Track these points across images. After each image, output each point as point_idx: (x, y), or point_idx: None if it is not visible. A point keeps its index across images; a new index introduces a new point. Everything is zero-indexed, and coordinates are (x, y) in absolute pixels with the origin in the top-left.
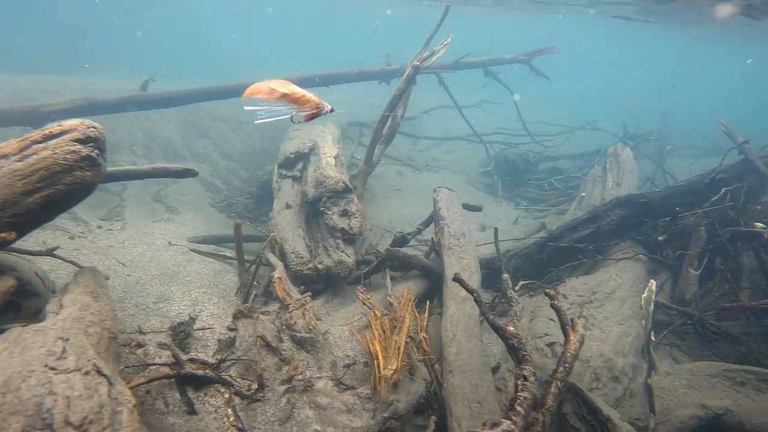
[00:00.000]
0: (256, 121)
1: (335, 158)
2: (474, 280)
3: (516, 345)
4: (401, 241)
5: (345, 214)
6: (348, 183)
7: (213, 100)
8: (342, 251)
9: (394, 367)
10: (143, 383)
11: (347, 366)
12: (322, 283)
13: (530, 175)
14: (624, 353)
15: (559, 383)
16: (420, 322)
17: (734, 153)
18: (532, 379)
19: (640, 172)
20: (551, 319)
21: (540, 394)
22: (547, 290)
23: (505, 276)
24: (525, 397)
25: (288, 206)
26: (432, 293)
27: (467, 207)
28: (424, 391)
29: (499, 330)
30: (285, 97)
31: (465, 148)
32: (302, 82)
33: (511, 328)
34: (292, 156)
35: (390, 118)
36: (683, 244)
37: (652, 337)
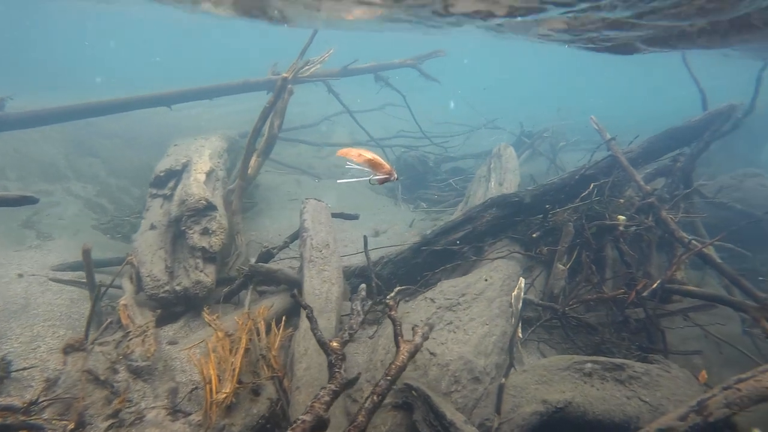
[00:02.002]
0: (338, 181)
1: (208, 174)
2: (334, 291)
3: (332, 361)
4: (266, 255)
5: (206, 232)
6: (210, 200)
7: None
8: (201, 271)
9: (228, 390)
10: None
11: (192, 391)
12: (183, 305)
13: (431, 176)
14: (487, 353)
15: (375, 398)
16: (273, 339)
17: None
18: (325, 399)
19: (537, 169)
20: (415, 325)
21: (356, 410)
22: (386, 300)
23: (362, 286)
24: (303, 420)
25: (153, 227)
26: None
27: (342, 216)
28: (267, 410)
29: (323, 345)
30: (368, 162)
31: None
32: (183, 96)
33: (335, 344)
34: (162, 174)
35: (267, 130)
36: (556, 240)
37: (519, 334)
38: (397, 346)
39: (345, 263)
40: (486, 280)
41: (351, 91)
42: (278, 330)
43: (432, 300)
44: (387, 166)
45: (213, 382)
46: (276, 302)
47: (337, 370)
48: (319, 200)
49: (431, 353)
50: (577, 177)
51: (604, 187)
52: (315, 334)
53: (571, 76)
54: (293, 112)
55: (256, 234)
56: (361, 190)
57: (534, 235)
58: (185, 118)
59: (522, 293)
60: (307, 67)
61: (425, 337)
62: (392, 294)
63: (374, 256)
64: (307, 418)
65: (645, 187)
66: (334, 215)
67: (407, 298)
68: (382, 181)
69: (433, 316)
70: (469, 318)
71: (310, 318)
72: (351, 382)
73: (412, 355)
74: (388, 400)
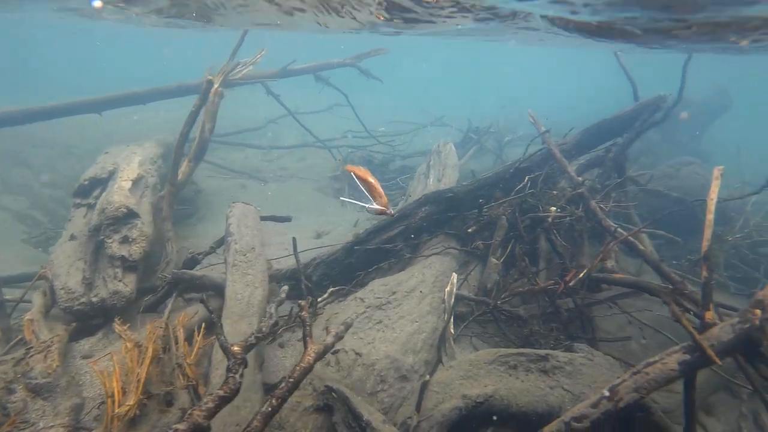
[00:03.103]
0: (341, 198)
1: (135, 181)
2: (257, 295)
3: (229, 366)
4: (192, 262)
5: (126, 240)
6: (132, 207)
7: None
8: (120, 280)
9: (131, 403)
10: None
11: (99, 405)
12: (101, 317)
13: (379, 175)
14: (416, 351)
15: (274, 401)
16: (196, 346)
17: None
18: (207, 406)
19: (485, 165)
20: (327, 327)
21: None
22: (300, 302)
23: (283, 288)
24: (176, 429)
25: (73, 237)
26: None
27: (274, 219)
28: (179, 421)
29: (225, 350)
30: (369, 185)
31: (319, 155)
32: (115, 101)
33: (236, 348)
34: (86, 183)
35: (199, 133)
36: (492, 235)
37: (452, 330)
38: (305, 347)
39: (281, 266)
40: (417, 276)
41: (300, 93)
42: (199, 337)
43: (362, 299)
44: (385, 198)
45: (116, 394)
46: (201, 309)
47: (231, 375)
48: (247, 204)
49: (357, 353)
50: (511, 171)
51: (538, 180)
52: (218, 339)
53: (531, 74)
54: (244, 116)
55: (196, 241)
56: (308, 192)
57: (469, 230)
58: (134, 124)
59: (454, 289)
60: (238, 69)
61: (338, 338)
62: (325, 295)
63: (307, 257)
64: (182, 427)
65: (576, 178)
66: (264, 218)
67: (341, 299)
68: (378, 213)
69: (361, 315)
70: (399, 316)
71: (216, 322)
72: (273, 387)
73: (319, 356)
74: (309, 402)
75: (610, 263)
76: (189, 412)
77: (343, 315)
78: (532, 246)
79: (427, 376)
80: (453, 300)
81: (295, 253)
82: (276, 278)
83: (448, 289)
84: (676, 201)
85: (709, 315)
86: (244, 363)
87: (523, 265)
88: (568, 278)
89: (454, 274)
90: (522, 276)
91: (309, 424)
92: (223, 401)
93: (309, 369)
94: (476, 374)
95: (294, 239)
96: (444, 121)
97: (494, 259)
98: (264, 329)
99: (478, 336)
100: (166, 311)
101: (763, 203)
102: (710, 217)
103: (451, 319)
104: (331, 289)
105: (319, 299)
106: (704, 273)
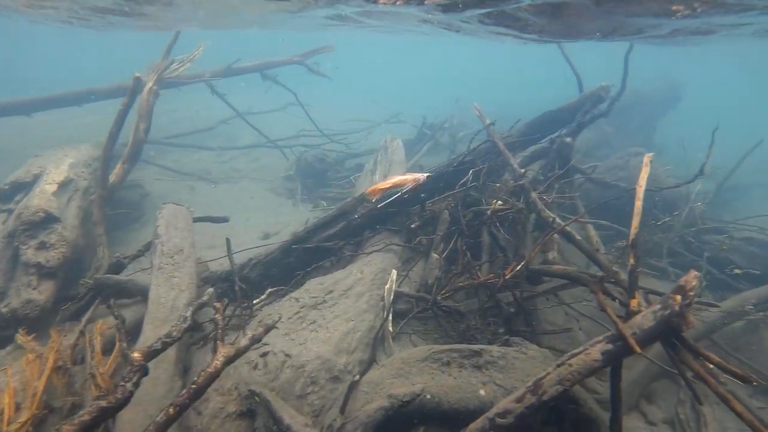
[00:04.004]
0: (379, 205)
1: (63, 184)
2: (182, 299)
3: (124, 375)
4: (117, 266)
5: (43, 246)
6: (51, 211)
7: None
8: (34, 288)
9: (24, 418)
10: None
11: None
12: (13, 328)
13: (333, 174)
14: (350, 350)
15: (171, 410)
16: (113, 355)
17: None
18: (83, 419)
19: (440, 161)
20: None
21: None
22: (216, 304)
23: (209, 290)
24: None
25: None
26: None
27: (210, 219)
28: None
29: (125, 357)
30: (394, 186)
31: (273, 155)
32: (49, 102)
33: (136, 355)
34: (6, 187)
35: (133, 134)
36: (435, 230)
37: (390, 328)
38: (215, 351)
39: (217, 268)
40: (356, 274)
41: (257, 92)
42: (118, 345)
43: (296, 299)
44: (409, 178)
45: (6, 411)
46: (126, 315)
47: (122, 384)
48: (178, 205)
49: (287, 355)
50: (455, 164)
51: (481, 173)
52: (121, 346)
53: (489, 67)
54: (205, 116)
55: (138, 246)
56: (259, 192)
57: (412, 226)
58: (79, 127)
59: (394, 285)
60: (174, 67)
61: (254, 341)
62: (263, 296)
63: (245, 257)
64: None
65: (518, 170)
66: (199, 219)
67: (279, 300)
68: (413, 191)
69: (294, 315)
70: (334, 315)
71: (120, 329)
72: None
73: (229, 360)
74: (233, 408)
75: (552, 254)
76: (58, 427)
77: (277, 316)
78: (475, 240)
79: (357, 376)
80: (392, 297)
81: (229, 254)
82: (211, 280)
83: (387, 286)
84: (624, 192)
85: (634, 303)
86: (143, 371)
87: (465, 259)
88: (508, 271)
89: (393, 270)
90: (465, 271)
91: (232, 431)
92: (105, 413)
93: (215, 375)
94: (408, 372)
95: (228, 240)
96: (400, 118)
97: (435, 255)
98: (175, 334)
99: (418, 333)
100: (84, 319)
101: (707, 192)
102: (638, 204)
103: (390, 317)
104: (270, 289)
105: (256, 300)
106: (631, 261)
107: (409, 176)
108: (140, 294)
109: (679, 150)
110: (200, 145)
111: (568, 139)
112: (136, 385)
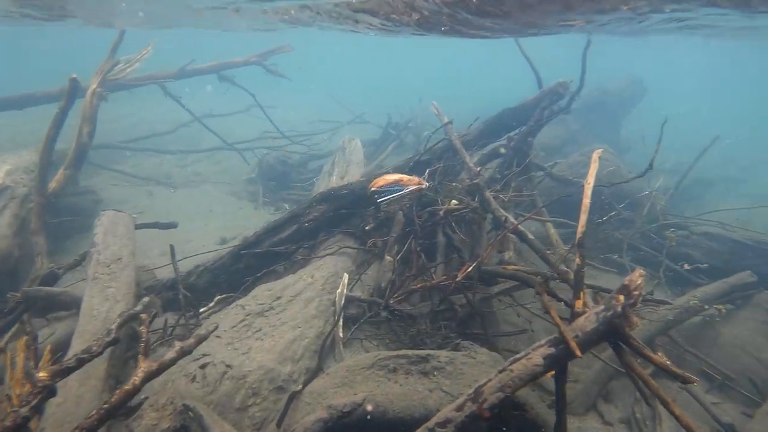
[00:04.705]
0: (379, 200)
1: None
2: (117, 310)
3: (23, 397)
4: (51, 277)
5: None
6: None
7: None
8: None
9: None
10: None
11: None
12: None
13: (296, 176)
14: (295, 359)
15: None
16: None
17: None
18: None
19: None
20: (218, 337)
21: None
22: (142, 315)
23: (144, 299)
24: None
25: None
26: None
27: (156, 226)
28: None
29: (29, 377)
30: (398, 181)
31: (236, 158)
32: None
33: (42, 374)
34: None
35: (76, 138)
36: (391, 231)
37: (341, 334)
38: (137, 367)
39: (162, 277)
40: (306, 279)
41: (217, 94)
42: (41, 363)
43: (242, 307)
44: (414, 179)
45: None
46: (59, 329)
47: (15, 410)
48: (119, 211)
49: (228, 366)
50: (411, 164)
51: (436, 172)
52: (26, 365)
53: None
54: (171, 119)
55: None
56: (220, 196)
57: (367, 228)
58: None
59: (345, 290)
60: (120, 68)
61: (184, 353)
62: (211, 304)
63: (191, 264)
64: None
65: (473, 168)
66: (144, 226)
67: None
68: (416, 191)
69: (239, 324)
70: (281, 322)
71: (29, 345)
72: (132, 410)
73: (150, 376)
74: (166, 424)
75: (508, 254)
76: None
77: (220, 325)
78: (431, 241)
79: (300, 386)
80: (343, 302)
81: (173, 261)
82: (156, 289)
83: (339, 290)
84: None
85: (579, 304)
86: (47, 392)
87: (419, 261)
88: (461, 272)
89: (345, 274)
90: (420, 273)
91: None
92: None
93: (133, 392)
94: (353, 381)
95: (172, 246)
96: (364, 118)
97: (389, 257)
98: (95, 349)
99: (370, 338)
100: (8, 335)
101: (667, 188)
102: (586, 201)
103: (341, 322)
104: (218, 297)
105: (203, 309)
106: (577, 260)
107: (415, 178)
108: (75, 306)
109: (643, 146)
110: (159, 148)
111: (529, 138)
112: (37, 409)
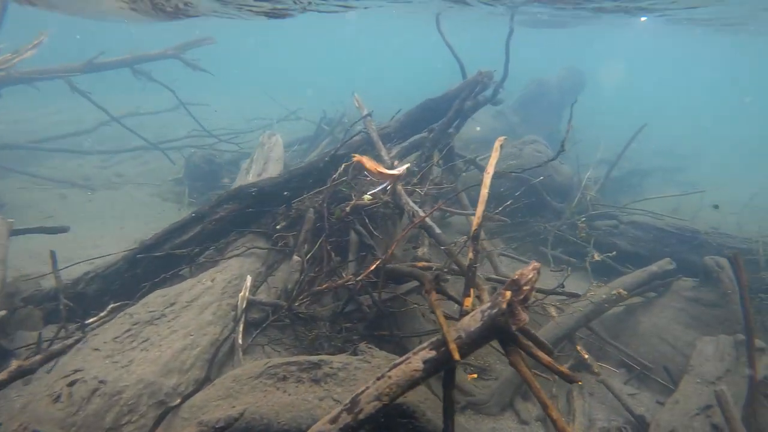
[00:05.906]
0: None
1: None
2: None
3: None
4: None
5: None
6: None
7: None
8: None
9: None
10: None
11: None
12: None
13: (226, 175)
14: (183, 369)
15: None
16: None
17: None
18: None
19: None
20: (96, 349)
21: None
22: None
23: (2, 313)
24: None
25: None
26: None
27: (43, 230)
28: None
29: None
30: (379, 173)
31: (164, 158)
32: None
33: None
34: None
35: None
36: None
37: (240, 340)
38: None
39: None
40: (205, 283)
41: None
42: None
43: (130, 315)
44: (389, 173)
45: None
46: None
47: None
48: (5, 219)
49: (101, 381)
50: (326, 159)
51: (350, 167)
52: None
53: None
54: (95, 118)
55: None
56: (142, 198)
57: (278, 227)
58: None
59: (248, 293)
60: (6, 57)
61: (20, 373)
62: (103, 314)
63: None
64: None
65: (387, 161)
66: (28, 231)
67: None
68: (391, 185)
69: (125, 334)
70: (171, 330)
71: None
72: None
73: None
74: None
75: (421, 251)
76: None
77: (101, 337)
78: (345, 239)
79: (178, 400)
80: (245, 305)
81: (54, 269)
82: (36, 299)
83: (241, 294)
84: (516, 180)
85: (468, 302)
86: None
87: (330, 261)
88: (367, 271)
89: (248, 277)
90: (331, 273)
91: None
92: None
93: None
94: (239, 392)
95: (53, 252)
96: (298, 114)
97: (297, 256)
98: None
99: (275, 343)
100: None
101: (597, 179)
102: (484, 192)
103: (241, 328)
104: (112, 305)
105: (92, 319)
106: (469, 255)
107: (390, 172)
108: None
109: (584, 136)
110: (79, 149)
111: (450, 129)
112: None
